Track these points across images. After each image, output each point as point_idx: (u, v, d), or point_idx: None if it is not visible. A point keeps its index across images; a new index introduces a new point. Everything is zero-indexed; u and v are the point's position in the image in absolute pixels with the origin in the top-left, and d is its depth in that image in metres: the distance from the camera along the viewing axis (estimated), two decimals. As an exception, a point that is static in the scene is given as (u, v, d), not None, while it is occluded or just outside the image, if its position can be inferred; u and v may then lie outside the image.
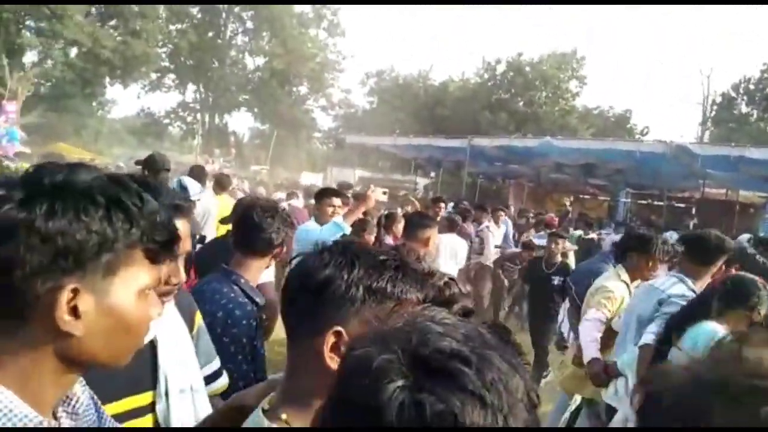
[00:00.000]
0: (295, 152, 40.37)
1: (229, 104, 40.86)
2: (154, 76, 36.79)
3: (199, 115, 40.99)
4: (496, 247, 7.83)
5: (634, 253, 3.39)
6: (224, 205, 5.62)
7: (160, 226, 0.78)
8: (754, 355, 0.62)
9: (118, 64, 30.19)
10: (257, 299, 2.02)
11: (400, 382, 0.53)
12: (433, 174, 24.19)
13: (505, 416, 0.52)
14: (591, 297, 3.47)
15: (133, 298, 0.77)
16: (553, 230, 6.70)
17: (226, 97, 39.83)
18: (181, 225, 1.31)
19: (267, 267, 2.20)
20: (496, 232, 8.19)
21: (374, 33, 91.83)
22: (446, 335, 0.57)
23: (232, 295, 1.96)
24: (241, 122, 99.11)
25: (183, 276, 1.37)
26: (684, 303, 2.73)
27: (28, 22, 27.48)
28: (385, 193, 3.55)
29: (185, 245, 1.42)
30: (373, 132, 25.80)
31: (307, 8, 40.67)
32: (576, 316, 4.03)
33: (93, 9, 31.18)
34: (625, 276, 3.38)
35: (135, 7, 31.18)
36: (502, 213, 9.04)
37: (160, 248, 0.79)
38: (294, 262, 0.99)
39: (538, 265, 5.80)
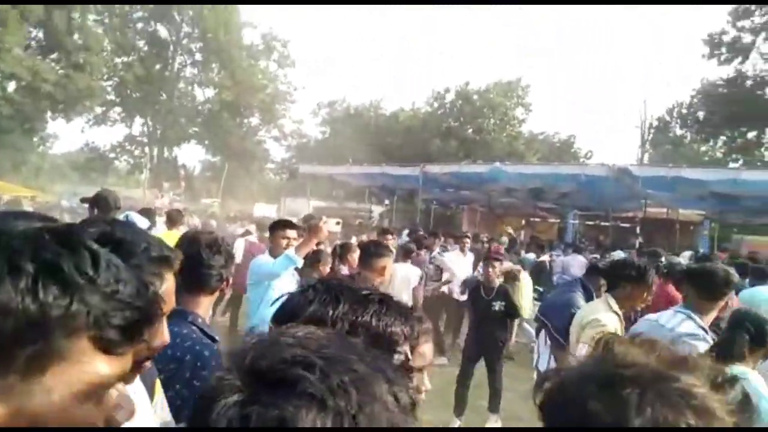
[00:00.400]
0: (247, 184, 39.87)
1: (179, 137, 40.13)
2: (99, 109, 35.81)
3: (147, 149, 40.01)
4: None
5: (629, 284, 3.18)
6: (176, 241, 5.50)
7: (121, 305, 0.56)
8: (621, 350, 0.74)
9: (60, 98, 29.24)
10: (215, 336, 1.97)
11: (232, 398, 0.51)
12: (387, 202, 24.35)
13: (354, 416, 0.51)
14: (581, 331, 3.21)
15: (71, 406, 0.53)
16: (490, 255, 6.38)
17: (175, 129, 39.12)
18: (168, 280, 1.16)
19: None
20: (462, 261, 7.99)
21: (325, 63, 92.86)
22: (294, 345, 0.56)
23: (194, 336, 1.89)
24: (191, 155, 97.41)
25: (166, 338, 1.07)
26: (695, 342, 2.61)
27: (-39, 56, 26.36)
28: (338, 223, 3.53)
29: (170, 303, 1.19)
30: (327, 161, 25.86)
31: (257, 40, 40.80)
32: (560, 353, 3.86)
33: (33, 42, 30.29)
34: (616, 306, 3.17)
35: (78, 40, 30.45)
36: (467, 240, 8.61)
37: (121, 335, 0.56)
38: (278, 302, 1.00)
39: (478, 292, 5.59)
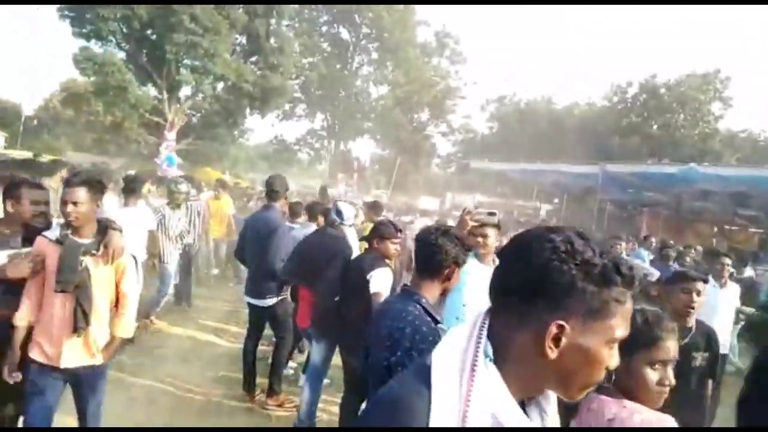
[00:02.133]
0: (414, 177, 41.08)
1: (354, 131, 42.77)
2: (287, 106, 39.61)
3: (326, 142, 43.34)
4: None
5: None
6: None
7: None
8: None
9: (257, 96, 32.95)
10: (437, 317, 2.12)
11: None
12: (556, 200, 23.32)
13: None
14: None
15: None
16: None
17: (351, 124, 41.75)
18: None
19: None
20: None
21: (496, 60, 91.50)
22: None
23: (416, 313, 2.07)
24: (363, 148, 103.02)
25: None
26: None
27: (186, 61, 30.98)
28: (492, 213, 3.31)
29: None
30: (494, 157, 25.54)
31: (430, 38, 41.73)
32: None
33: (237, 47, 34.48)
34: None
35: (274, 44, 33.96)
36: (619, 243, 7.43)
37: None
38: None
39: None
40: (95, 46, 30.91)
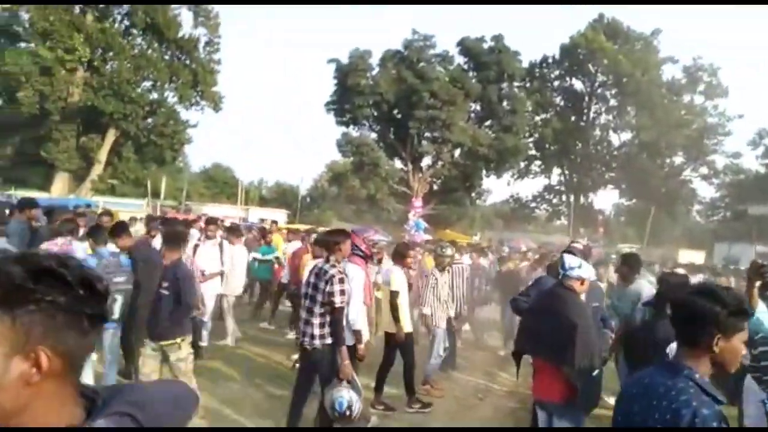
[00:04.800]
0: (669, 227, 36.70)
1: (595, 183, 40.56)
2: (522, 164, 39.77)
3: (564, 197, 41.91)
4: None
5: None
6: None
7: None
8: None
9: (492, 158, 33.95)
10: (719, 396, 1.75)
11: None
12: None
13: None
14: None
15: None
16: None
17: (591, 176, 39.73)
18: None
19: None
20: None
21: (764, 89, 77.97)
22: None
23: (692, 391, 1.73)
24: (604, 200, 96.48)
25: None
26: None
27: (426, 134, 33.92)
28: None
29: None
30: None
31: (678, 74, 37.90)
32: None
33: (472, 114, 36.33)
34: None
35: (506, 105, 34.92)
36: None
37: None
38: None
39: None
40: (353, 131, 36.07)
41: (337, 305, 4.12)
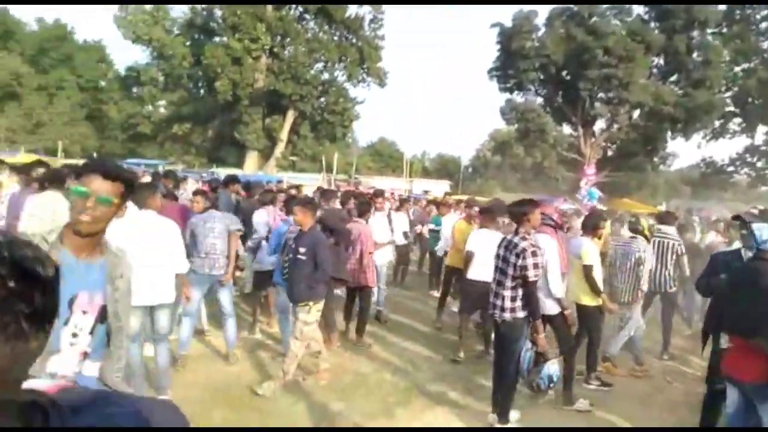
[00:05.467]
0: None
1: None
2: (717, 123, 34.79)
3: (772, 159, 35.86)
4: None
5: None
6: None
7: None
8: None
9: (679, 118, 30.21)
10: None
11: None
12: None
13: None
14: None
15: None
16: None
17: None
18: None
19: None
20: None
21: None
22: None
23: None
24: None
25: None
26: None
27: (600, 95, 31.30)
28: None
29: None
30: None
31: None
32: None
33: (654, 69, 32.56)
34: None
35: (696, 57, 30.66)
36: None
37: None
38: None
39: None
40: (517, 97, 34.71)
41: (530, 279, 4.03)
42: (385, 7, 34.52)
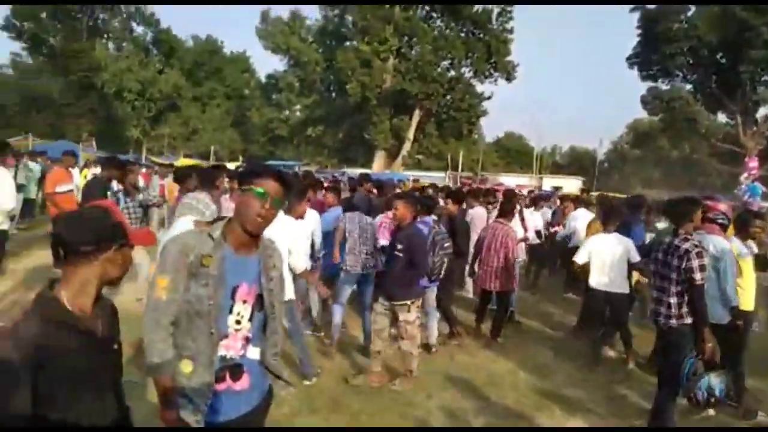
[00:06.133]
0: None
1: None
2: None
3: None
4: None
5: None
6: None
7: None
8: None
9: None
10: None
11: None
12: None
13: None
14: None
15: None
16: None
17: None
18: None
19: None
20: None
21: None
22: None
23: None
24: None
25: None
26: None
27: (765, 78, 27.61)
28: None
29: None
30: None
31: None
32: None
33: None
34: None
35: None
36: None
37: None
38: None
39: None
40: (662, 84, 31.80)
41: (696, 282, 3.67)
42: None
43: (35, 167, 12.54)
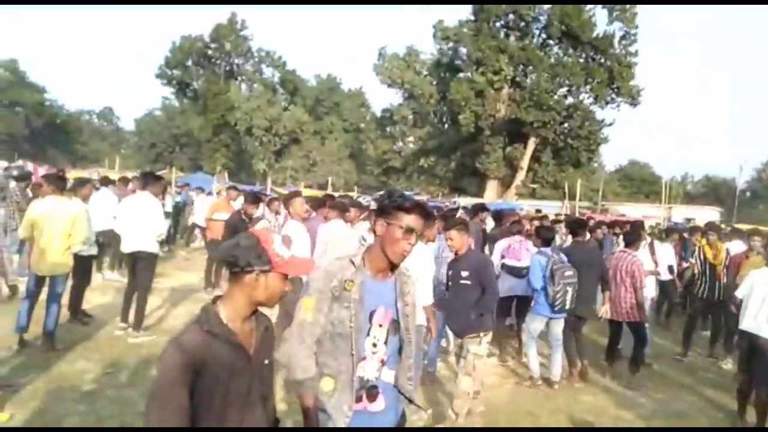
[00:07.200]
0: None
1: None
2: None
3: None
4: None
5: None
6: None
7: None
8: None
9: None
10: None
11: None
12: None
13: None
14: None
15: None
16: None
17: None
18: None
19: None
20: None
21: None
22: None
23: None
24: None
25: None
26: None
27: None
28: None
29: None
30: None
31: None
32: None
33: None
34: None
35: None
36: None
37: None
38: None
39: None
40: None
41: None
42: (639, 7, 31.87)
43: (179, 198, 14.04)
